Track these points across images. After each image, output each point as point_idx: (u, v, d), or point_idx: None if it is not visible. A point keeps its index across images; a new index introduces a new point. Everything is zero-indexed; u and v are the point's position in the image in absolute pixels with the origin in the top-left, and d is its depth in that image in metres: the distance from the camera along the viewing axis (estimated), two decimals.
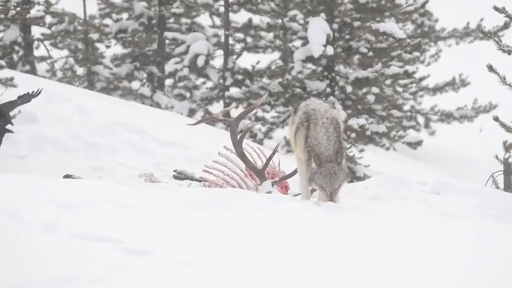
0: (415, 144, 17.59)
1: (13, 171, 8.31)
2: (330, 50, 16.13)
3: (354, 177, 16.55)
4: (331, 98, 16.48)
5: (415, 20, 24.08)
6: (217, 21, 22.53)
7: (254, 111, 13.86)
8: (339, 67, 16.77)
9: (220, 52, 19.53)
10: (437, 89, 25.09)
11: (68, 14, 19.72)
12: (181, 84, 20.31)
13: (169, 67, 19.98)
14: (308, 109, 6.70)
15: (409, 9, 17.05)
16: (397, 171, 17.22)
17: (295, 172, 7.65)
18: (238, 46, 20.04)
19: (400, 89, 21.17)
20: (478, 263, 4.53)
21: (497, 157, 9.90)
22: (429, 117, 25.27)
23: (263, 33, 20.08)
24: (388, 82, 16.61)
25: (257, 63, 19.67)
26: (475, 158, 25.09)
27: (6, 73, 10.48)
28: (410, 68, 15.94)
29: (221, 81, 19.09)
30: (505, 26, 23.70)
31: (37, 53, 19.87)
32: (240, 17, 20.78)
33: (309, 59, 16.55)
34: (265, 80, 18.76)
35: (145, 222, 4.78)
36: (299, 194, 7.48)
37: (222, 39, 19.49)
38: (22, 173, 7.96)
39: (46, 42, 19.80)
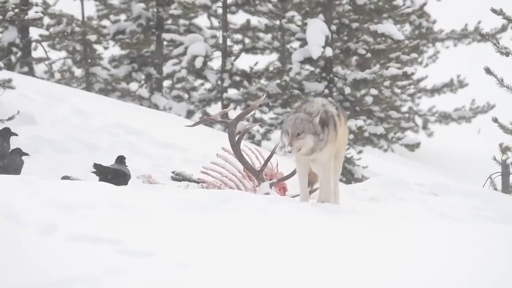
0: (413, 146, 17.61)
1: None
2: (328, 52, 16.15)
3: (352, 178, 16.57)
4: (329, 99, 16.44)
5: (413, 21, 24.09)
6: (215, 22, 22.54)
7: (252, 112, 13.87)
8: (337, 68, 16.78)
9: (218, 54, 19.52)
10: (435, 90, 25.09)
11: (66, 16, 19.71)
12: (179, 85, 20.31)
13: (167, 68, 19.98)
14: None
15: (407, 11, 17.07)
16: (395, 173, 17.25)
17: (293, 173, 7.66)
18: (236, 48, 20.03)
19: (398, 91, 21.19)
20: (476, 264, 4.54)
21: (495, 159, 9.92)
22: (427, 118, 25.27)
23: (261, 35, 20.07)
24: (387, 83, 16.63)
25: (255, 64, 19.67)
26: (473, 159, 25.11)
27: (4, 74, 10.48)
28: (408, 69, 15.95)
29: (219, 82, 19.08)
30: (503, 28, 23.72)
31: (35, 54, 19.87)
32: (238, 18, 20.79)
33: (307, 60, 16.55)
34: (263, 81, 18.75)
35: (144, 223, 4.78)
36: (297, 195, 7.49)
37: (220, 41, 19.49)
38: (20, 174, 7.96)
39: (44, 44, 19.80)
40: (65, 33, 19.56)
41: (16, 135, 8.54)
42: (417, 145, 17.70)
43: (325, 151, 6.61)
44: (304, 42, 16.72)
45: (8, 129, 8.45)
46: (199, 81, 20.29)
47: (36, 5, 18.75)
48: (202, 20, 21.97)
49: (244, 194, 6.50)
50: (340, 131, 6.76)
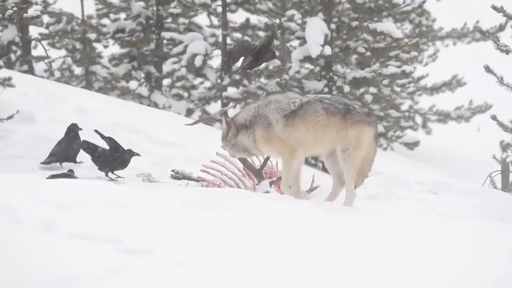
0: (412, 145, 17.62)
1: (11, 171, 8.30)
2: (328, 50, 16.14)
3: None
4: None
5: (413, 20, 24.08)
6: (215, 21, 22.52)
7: None
8: (336, 67, 16.77)
9: (217, 52, 19.53)
10: (434, 89, 25.09)
11: (65, 14, 19.72)
12: (179, 84, 20.32)
13: (167, 67, 19.98)
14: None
15: (406, 9, 17.06)
16: (395, 171, 17.23)
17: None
18: None
19: (398, 89, 21.19)
20: (476, 262, 4.54)
21: (494, 157, 9.93)
22: (427, 117, 25.26)
23: (261, 33, 20.08)
24: (385, 82, 16.62)
25: None
26: (472, 158, 25.11)
27: (4, 73, 10.47)
28: (407, 68, 15.94)
29: (218, 81, 19.09)
30: (501, 28, 23.71)
31: (35, 53, 19.87)
32: (237, 17, 20.77)
33: (307, 59, 16.54)
34: (262, 80, 18.76)
35: (143, 222, 4.78)
36: None
37: (220, 39, 19.50)
38: (20, 173, 7.97)
39: (44, 42, 19.80)
40: (65, 32, 19.56)
41: (81, 129, 9.13)
42: (416, 143, 17.72)
43: (262, 149, 7.25)
44: (303, 41, 16.71)
45: (75, 125, 8.81)
46: (198, 80, 20.31)
47: (36, 3, 18.76)
48: (201, 19, 21.96)
49: (244, 193, 6.50)
50: (285, 130, 7.10)
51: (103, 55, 20.51)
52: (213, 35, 19.89)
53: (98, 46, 20.46)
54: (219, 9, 20.37)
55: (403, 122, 21.67)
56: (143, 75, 20.65)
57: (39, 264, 3.94)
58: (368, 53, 16.44)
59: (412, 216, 6.69)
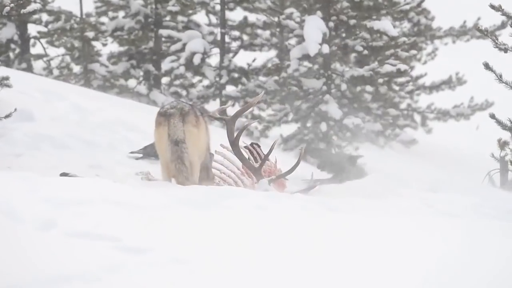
0: (408, 143, 17.63)
1: (9, 169, 8.30)
2: (326, 48, 16.14)
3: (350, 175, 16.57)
4: (327, 96, 16.49)
5: (412, 18, 24.07)
6: (213, 19, 22.53)
7: (251, 109, 13.80)
8: (335, 65, 16.78)
9: (216, 50, 19.53)
10: (433, 88, 25.08)
11: (64, 12, 19.72)
12: (177, 82, 20.32)
13: (165, 65, 19.98)
14: None
15: (405, 8, 17.06)
16: (394, 169, 17.26)
17: (292, 170, 7.66)
18: (234, 44, 20.04)
19: (396, 88, 21.20)
20: (474, 261, 4.54)
21: (493, 156, 9.94)
22: (426, 115, 25.25)
23: (259, 31, 20.09)
24: (381, 80, 16.63)
25: (253, 61, 19.67)
26: (471, 156, 25.11)
27: (2, 71, 10.45)
28: (402, 66, 15.94)
29: (217, 79, 19.09)
30: (503, 24, 23.69)
31: (33, 51, 19.87)
32: (236, 15, 20.78)
33: (305, 57, 16.55)
34: (261, 78, 18.76)
35: (142, 220, 4.78)
36: (297, 192, 7.50)
37: (218, 37, 19.51)
38: (18, 171, 7.96)
39: (43, 40, 19.80)
40: (64, 30, 19.55)
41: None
42: (413, 141, 17.72)
43: None
44: (302, 39, 16.72)
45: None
46: (197, 78, 20.31)
47: (35, 1, 18.74)
48: (200, 17, 21.97)
49: (242, 191, 6.50)
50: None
51: (102, 53, 20.51)
52: (211, 33, 19.88)
53: (97, 44, 20.46)
54: (218, 7, 20.38)
55: (402, 120, 21.69)
56: (141, 73, 20.66)
57: (38, 262, 3.94)
58: (366, 52, 16.45)
59: (411, 214, 6.70)
